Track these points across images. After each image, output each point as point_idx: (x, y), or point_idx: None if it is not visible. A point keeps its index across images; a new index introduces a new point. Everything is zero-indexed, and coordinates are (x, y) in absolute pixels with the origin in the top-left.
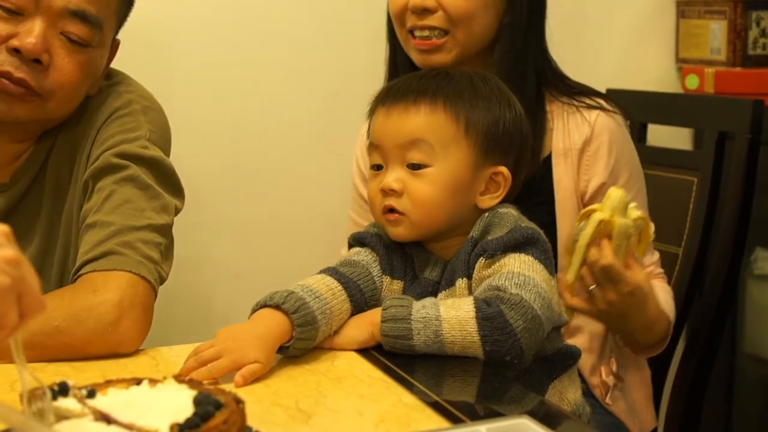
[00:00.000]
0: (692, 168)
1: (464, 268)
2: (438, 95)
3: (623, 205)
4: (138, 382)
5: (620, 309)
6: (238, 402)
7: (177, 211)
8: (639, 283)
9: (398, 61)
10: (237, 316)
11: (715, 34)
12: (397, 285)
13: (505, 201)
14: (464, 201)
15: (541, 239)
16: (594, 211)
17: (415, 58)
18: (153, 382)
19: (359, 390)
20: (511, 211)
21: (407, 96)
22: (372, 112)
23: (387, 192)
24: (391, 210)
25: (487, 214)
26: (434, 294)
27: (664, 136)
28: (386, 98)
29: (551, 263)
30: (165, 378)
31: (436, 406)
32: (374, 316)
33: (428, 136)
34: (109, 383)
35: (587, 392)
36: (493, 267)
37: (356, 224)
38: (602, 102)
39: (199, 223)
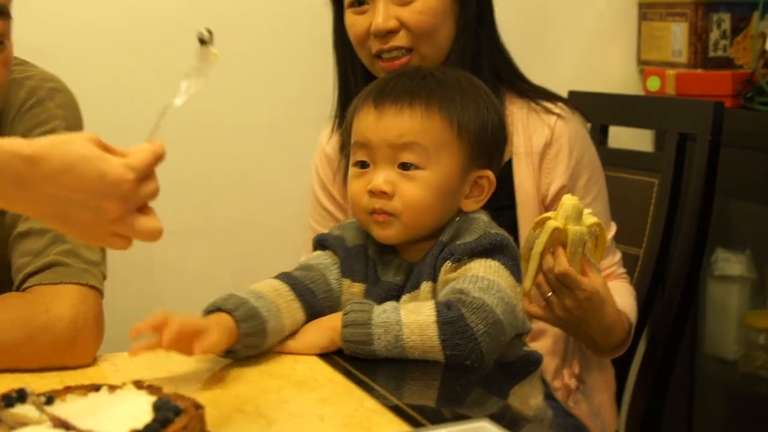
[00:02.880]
0: (653, 169)
1: (430, 271)
2: (432, 98)
3: (577, 213)
4: (97, 388)
5: (578, 315)
6: (198, 407)
7: None
8: (596, 289)
9: (350, 85)
10: None
11: (676, 36)
12: (358, 288)
13: None
14: (451, 205)
15: (509, 246)
16: (548, 218)
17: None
18: (112, 388)
19: (321, 394)
20: (482, 217)
21: (402, 97)
22: (355, 111)
23: (376, 194)
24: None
25: (457, 218)
26: (397, 297)
27: (625, 137)
28: (377, 97)
29: (519, 270)
30: (124, 384)
31: (397, 410)
32: (334, 320)
33: (423, 138)
34: (67, 390)
35: (549, 395)
36: (458, 271)
37: (315, 232)
38: (561, 105)
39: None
